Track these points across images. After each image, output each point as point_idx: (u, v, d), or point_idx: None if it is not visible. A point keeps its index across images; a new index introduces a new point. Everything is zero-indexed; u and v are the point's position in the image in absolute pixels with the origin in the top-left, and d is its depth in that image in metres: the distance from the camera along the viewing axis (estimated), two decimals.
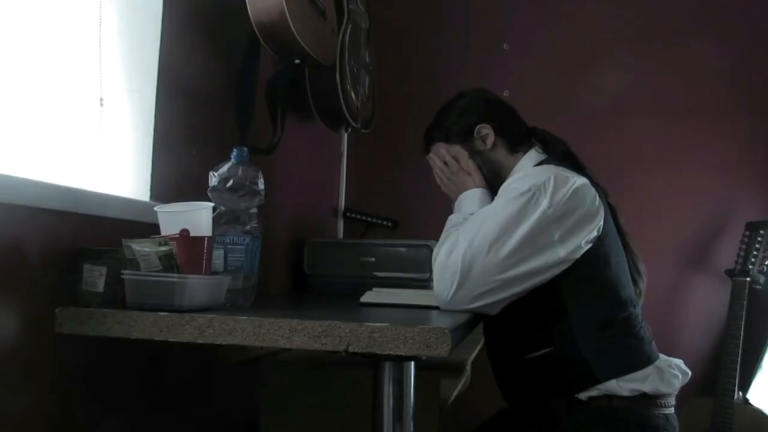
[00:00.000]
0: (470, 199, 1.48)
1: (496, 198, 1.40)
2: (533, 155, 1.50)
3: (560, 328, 1.34)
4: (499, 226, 1.29)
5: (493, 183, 1.50)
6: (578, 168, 1.45)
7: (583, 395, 1.33)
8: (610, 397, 1.32)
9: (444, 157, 1.54)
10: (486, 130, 1.51)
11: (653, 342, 1.40)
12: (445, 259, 1.30)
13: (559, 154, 1.49)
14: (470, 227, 1.32)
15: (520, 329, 1.39)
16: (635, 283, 1.46)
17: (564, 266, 1.31)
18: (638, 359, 1.34)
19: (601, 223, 1.35)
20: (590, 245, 1.33)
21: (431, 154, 1.57)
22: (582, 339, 1.33)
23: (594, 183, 1.44)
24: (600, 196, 1.38)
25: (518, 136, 1.53)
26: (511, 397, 1.48)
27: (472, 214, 1.41)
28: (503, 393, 1.49)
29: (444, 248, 1.32)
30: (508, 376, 1.47)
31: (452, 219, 1.45)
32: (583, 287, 1.34)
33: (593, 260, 1.34)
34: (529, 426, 1.39)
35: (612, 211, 1.45)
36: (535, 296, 1.31)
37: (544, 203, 1.29)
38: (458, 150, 1.53)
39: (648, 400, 1.33)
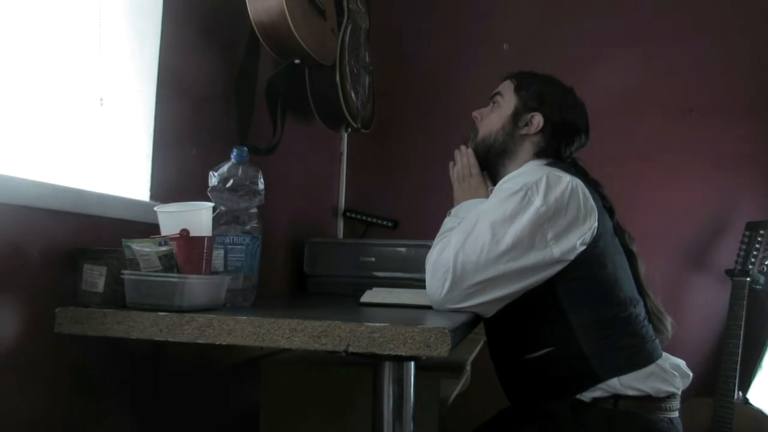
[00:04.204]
0: (476, 206, 1.46)
1: (490, 197, 1.40)
2: (544, 161, 1.49)
3: (560, 328, 1.34)
4: (491, 225, 1.28)
5: (495, 155, 1.51)
6: (606, 209, 1.42)
7: (587, 396, 1.33)
8: (615, 399, 1.31)
9: (470, 157, 1.54)
10: (537, 121, 1.49)
11: (656, 340, 1.40)
12: (437, 258, 1.29)
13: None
14: (463, 227, 1.32)
15: (520, 329, 1.38)
16: (657, 330, 1.44)
17: (559, 267, 1.31)
18: (640, 357, 1.34)
19: (596, 224, 1.34)
20: (585, 246, 1.32)
21: (460, 149, 1.57)
22: (583, 338, 1.33)
23: (621, 228, 1.44)
24: (597, 198, 1.38)
25: (553, 151, 1.50)
26: (514, 397, 1.48)
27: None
28: (506, 393, 1.49)
29: (437, 248, 1.32)
30: (510, 376, 1.47)
31: (447, 223, 1.44)
32: (580, 288, 1.34)
33: (588, 261, 1.33)
34: (531, 427, 1.39)
35: (632, 260, 1.45)
36: (533, 297, 1.31)
37: (537, 201, 1.29)
38: (511, 103, 1.52)
39: (652, 403, 1.33)
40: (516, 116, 1.51)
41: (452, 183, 1.57)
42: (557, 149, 1.51)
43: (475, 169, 1.54)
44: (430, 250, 1.36)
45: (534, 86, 1.53)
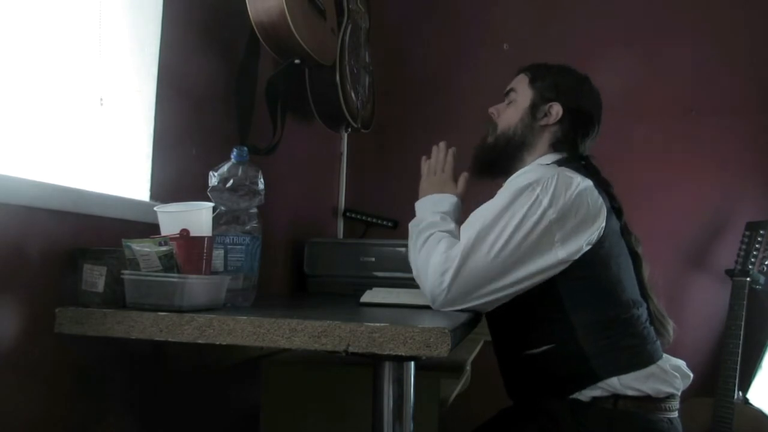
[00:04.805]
0: (446, 201, 1.45)
1: (498, 193, 1.39)
2: (559, 155, 1.48)
3: (562, 327, 1.34)
4: (499, 228, 1.28)
5: (514, 147, 1.50)
6: (615, 210, 1.42)
7: (587, 395, 1.32)
8: (615, 399, 1.31)
9: (449, 155, 1.54)
10: (556, 111, 1.48)
11: (657, 342, 1.40)
12: (443, 261, 1.28)
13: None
14: (470, 227, 1.31)
15: (522, 325, 1.38)
16: (659, 334, 1.43)
17: (562, 267, 1.30)
18: (640, 358, 1.34)
19: (603, 224, 1.34)
20: (590, 246, 1.32)
21: (438, 145, 1.57)
22: (584, 338, 1.33)
23: (627, 231, 1.44)
24: (606, 198, 1.38)
25: (569, 143, 1.50)
26: (514, 394, 1.48)
27: (443, 213, 1.41)
28: (507, 389, 1.48)
29: (439, 248, 1.30)
30: (511, 371, 1.47)
31: (427, 219, 1.41)
32: (582, 288, 1.34)
33: (592, 262, 1.33)
34: (531, 427, 1.39)
35: (637, 262, 1.44)
36: (535, 294, 1.31)
37: (545, 203, 1.29)
38: (527, 96, 1.51)
39: (652, 404, 1.32)
40: (534, 108, 1.50)
41: (421, 174, 1.56)
42: (573, 140, 1.50)
43: (449, 166, 1.53)
44: (415, 250, 1.35)
45: (549, 77, 1.53)
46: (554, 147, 1.50)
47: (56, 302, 1.05)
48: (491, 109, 1.58)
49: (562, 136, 1.50)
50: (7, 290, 1.00)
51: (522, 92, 1.53)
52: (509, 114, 1.53)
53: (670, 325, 1.47)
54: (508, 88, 1.57)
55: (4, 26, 1.11)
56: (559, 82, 1.52)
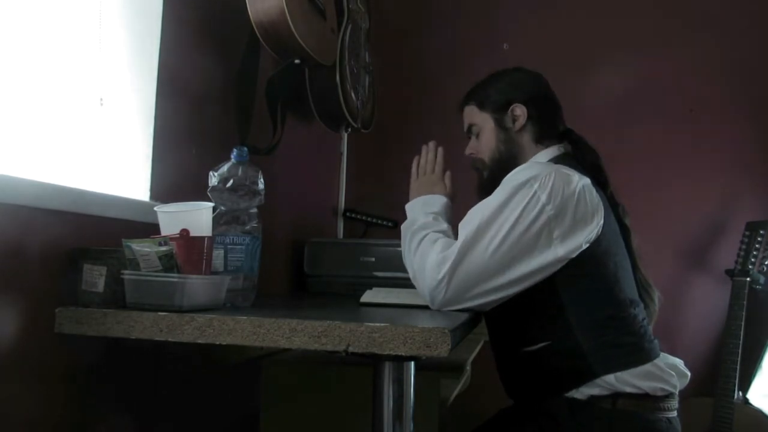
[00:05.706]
0: (437, 202, 1.47)
1: (496, 190, 1.38)
2: (553, 151, 1.49)
3: (559, 324, 1.34)
4: (497, 224, 1.28)
5: (507, 164, 1.50)
6: (600, 183, 1.42)
7: (584, 393, 1.32)
8: (614, 398, 1.31)
9: (438, 155, 1.55)
10: (520, 111, 1.50)
11: (655, 341, 1.40)
12: (440, 260, 1.28)
13: (585, 162, 1.46)
14: (467, 224, 1.31)
15: (520, 323, 1.38)
16: (644, 302, 1.44)
17: (561, 265, 1.30)
18: (637, 356, 1.34)
19: (602, 221, 1.34)
20: (589, 244, 1.32)
21: (427, 145, 1.58)
22: (581, 335, 1.32)
23: (614, 201, 1.44)
24: (601, 196, 1.38)
25: (549, 131, 1.51)
26: (512, 392, 1.48)
27: (435, 213, 1.42)
28: (505, 388, 1.48)
29: (435, 248, 1.31)
30: (509, 369, 1.47)
31: (420, 220, 1.43)
32: (579, 285, 1.33)
33: (591, 260, 1.33)
34: (530, 427, 1.39)
35: (625, 233, 1.45)
36: (533, 292, 1.31)
37: (543, 198, 1.29)
38: (486, 119, 1.53)
39: (651, 403, 1.32)
40: (500, 122, 1.52)
41: (411, 175, 1.57)
42: (551, 124, 1.52)
43: (439, 167, 1.54)
44: (413, 250, 1.35)
45: (491, 90, 1.54)
46: (539, 141, 1.51)
47: (56, 302, 1.05)
48: (468, 151, 1.58)
49: (538, 127, 1.51)
50: (7, 290, 1.00)
51: (481, 120, 1.54)
52: (485, 142, 1.54)
53: (656, 294, 1.48)
54: (466, 127, 1.58)
55: (5, 26, 1.11)
56: (503, 87, 1.53)
